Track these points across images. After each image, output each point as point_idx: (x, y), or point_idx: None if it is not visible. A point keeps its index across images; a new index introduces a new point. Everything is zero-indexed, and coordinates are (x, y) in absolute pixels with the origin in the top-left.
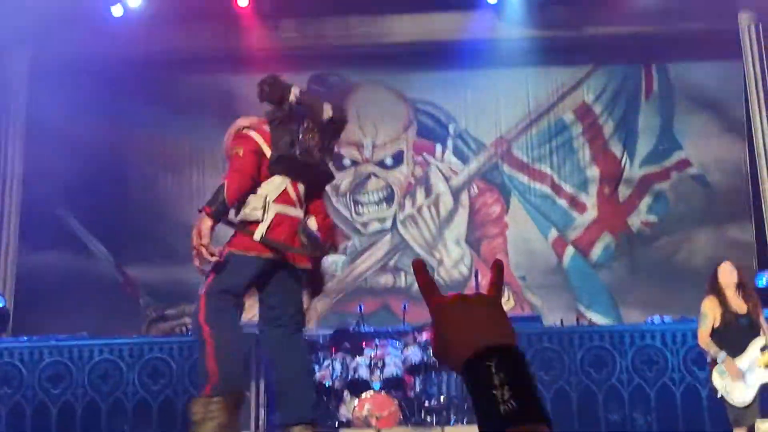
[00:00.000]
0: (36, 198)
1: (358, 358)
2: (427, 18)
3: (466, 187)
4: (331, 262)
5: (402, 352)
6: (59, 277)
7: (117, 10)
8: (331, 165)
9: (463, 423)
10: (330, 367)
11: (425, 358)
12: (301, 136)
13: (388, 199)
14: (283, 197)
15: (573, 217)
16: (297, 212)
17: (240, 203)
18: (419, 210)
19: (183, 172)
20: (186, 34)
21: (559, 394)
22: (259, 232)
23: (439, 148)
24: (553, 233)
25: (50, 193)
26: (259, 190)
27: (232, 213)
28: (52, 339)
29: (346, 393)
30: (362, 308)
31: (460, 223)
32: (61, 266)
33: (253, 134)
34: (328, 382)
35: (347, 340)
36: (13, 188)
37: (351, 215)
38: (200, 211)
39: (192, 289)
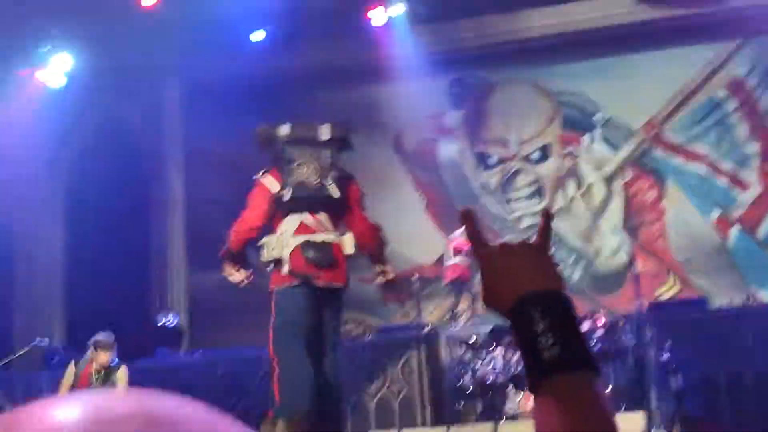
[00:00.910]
0: (199, 219)
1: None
2: (563, 8)
3: (618, 174)
4: None
5: None
6: (231, 294)
7: (257, 36)
8: (333, 185)
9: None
10: (491, 364)
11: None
12: (293, 176)
13: (539, 193)
14: (301, 229)
15: (735, 195)
16: (325, 236)
17: (260, 246)
18: (571, 201)
19: None
20: (321, 49)
21: (731, 377)
22: (286, 266)
23: (586, 138)
24: (715, 213)
25: (211, 213)
26: (279, 228)
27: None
28: (228, 353)
29: (510, 387)
30: None
31: (615, 212)
32: (228, 284)
33: (266, 180)
34: (489, 378)
35: (507, 335)
36: (176, 211)
37: (504, 212)
38: None
39: (352, 297)
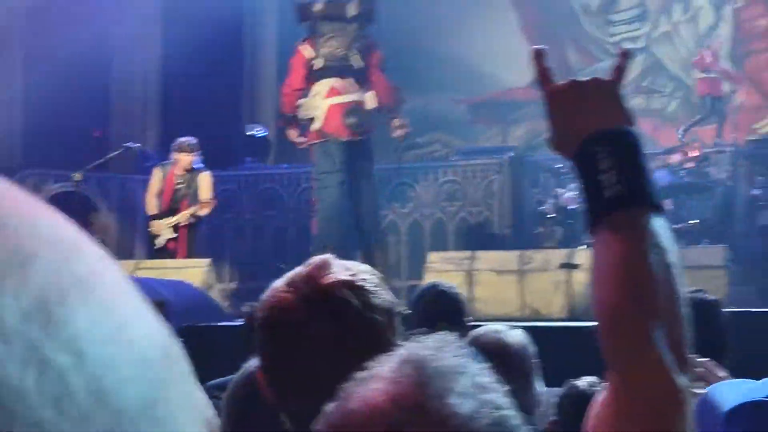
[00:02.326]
0: (292, 31)
1: None
2: None
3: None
4: None
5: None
6: None
7: None
8: (357, 56)
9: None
10: (575, 191)
11: (675, 181)
12: (321, 49)
13: (641, 16)
14: (332, 92)
15: None
16: (353, 96)
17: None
18: (676, 26)
19: (429, 1)
20: None
21: None
22: (316, 123)
23: None
24: None
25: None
26: (312, 91)
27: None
28: (309, 166)
29: None
30: None
31: (722, 39)
32: None
33: (303, 48)
34: (571, 205)
35: None
36: (271, 22)
37: (602, 36)
38: None
39: (439, 117)
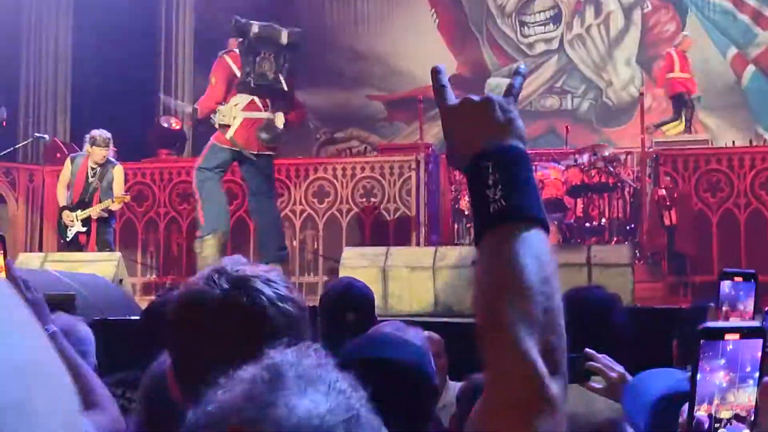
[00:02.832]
0: (209, 25)
1: None
2: None
3: (639, 4)
4: (495, 85)
5: (563, 173)
6: None
7: None
8: (284, 81)
9: (619, 242)
10: None
11: (586, 180)
12: (256, 67)
13: (556, 18)
14: (250, 106)
15: (756, 33)
16: (266, 114)
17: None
18: (588, 29)
19: None
20: None
21: (727, 216)
22: (230, 132)
23: None
24: (732, 51)
25: (223, 20)
26: (232, 101)
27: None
28: None
29: None
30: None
31: (631, 43)
32: None
33: (228, 60)
34: None
35: None
36: (186, 18)
37: (516, 36)
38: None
39: (358, 113)
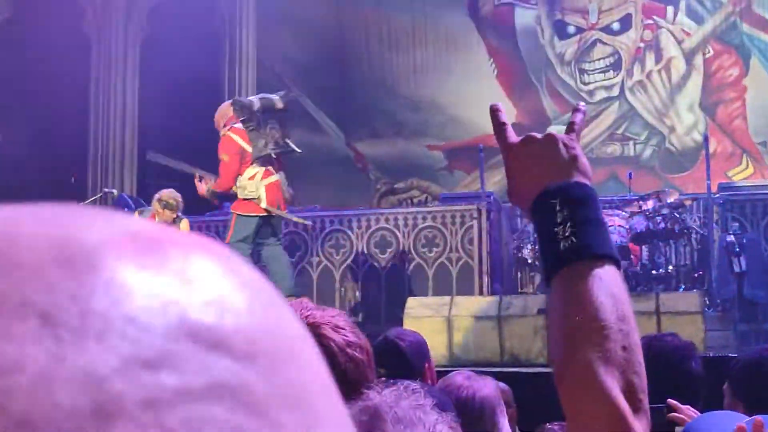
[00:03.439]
0: (269, 78)
1: None
2: None
3: (701, 49)
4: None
5: (627, 220)
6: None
7: None
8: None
9: (687, 290)
10: None
11: (651, 227)
12: (269, 138)
13: (615, 65)
14: (266, 174)
15: None
16: (278, 176)
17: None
18: (649, 75)
19: (407, 49)
20: None
21: None
22: (263, 203)
23: (670, 9)
24: None
25: (282, 73)
26: (247, 173)
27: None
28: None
29: None
30: None
31: (693, 88)
32: (295, 142)
33: (235, 137)
34: None
35: None
36: (249, 68)
37: (576, 84)
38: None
39: (418, 163)
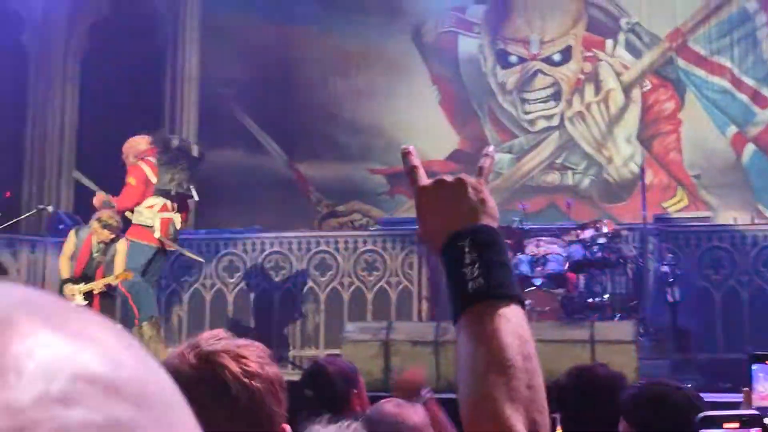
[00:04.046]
0: (212, 97)
1: (519, 255)
2: None
3: (638, 82)
4: (497, 160)
5: (565, 249)
6: (236, 173)
7: None
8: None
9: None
10: None
11: (589, 255)
12: (176, 175)
13: (556, 96)
14: (163, 208)
15: (755, 112)
16: (172, 215)
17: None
18: (588, 107)
19: (350, 73)
20: None
21: (730, 293)
22: (157, 232)
23: (610, 43)
24: (732, 129)
25: (227, 93)
26: (147, 202)
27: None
28: (227, 232)
29: None
30: (524, 207)
31: (631, 120)
32: (237, 163)
33: (144, 167)
34: None
35: (509, 237)
36: (191, 88)
37: (517, 113)
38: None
39: (359, 186)
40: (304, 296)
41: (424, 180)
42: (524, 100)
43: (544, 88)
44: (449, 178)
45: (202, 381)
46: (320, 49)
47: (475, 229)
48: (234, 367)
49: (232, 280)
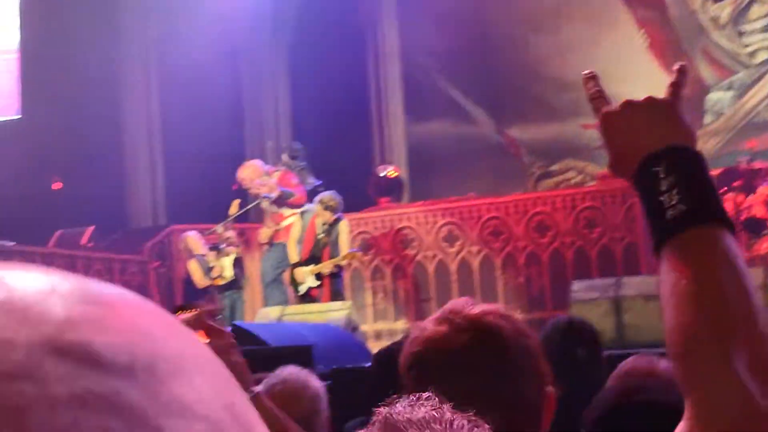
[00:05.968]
0: (414, 70)
1: (749, 197)
2: None
3: None
4: (716, 100)
5: None
6: (446, 144)
7: None
8: None
9: None
10: None
11: None
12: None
13: None
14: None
15: None
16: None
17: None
18: None
19: (550, 28)
20: None
21: None
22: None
23: None
24: None
25: (428, 64)
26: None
27: None
28: (442, 203)
29: (741, 234)
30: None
31: None
32: (446, 133)
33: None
34: None
35: (738, 179)
36: (394, 63)
37: (735, 47)
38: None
39: (572, 143)
40: (528, 259)
41: (610, 105)
42: (741, 33)
43: (761, 18)
44: (638, 100)
45: (481, 343)
46: (516, 8)
47: (670, 149)
48: (508, 325)
49: (452, 249)
